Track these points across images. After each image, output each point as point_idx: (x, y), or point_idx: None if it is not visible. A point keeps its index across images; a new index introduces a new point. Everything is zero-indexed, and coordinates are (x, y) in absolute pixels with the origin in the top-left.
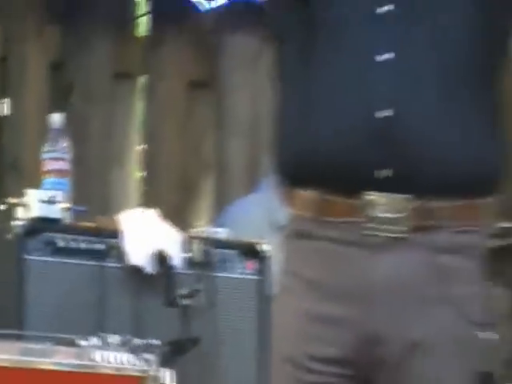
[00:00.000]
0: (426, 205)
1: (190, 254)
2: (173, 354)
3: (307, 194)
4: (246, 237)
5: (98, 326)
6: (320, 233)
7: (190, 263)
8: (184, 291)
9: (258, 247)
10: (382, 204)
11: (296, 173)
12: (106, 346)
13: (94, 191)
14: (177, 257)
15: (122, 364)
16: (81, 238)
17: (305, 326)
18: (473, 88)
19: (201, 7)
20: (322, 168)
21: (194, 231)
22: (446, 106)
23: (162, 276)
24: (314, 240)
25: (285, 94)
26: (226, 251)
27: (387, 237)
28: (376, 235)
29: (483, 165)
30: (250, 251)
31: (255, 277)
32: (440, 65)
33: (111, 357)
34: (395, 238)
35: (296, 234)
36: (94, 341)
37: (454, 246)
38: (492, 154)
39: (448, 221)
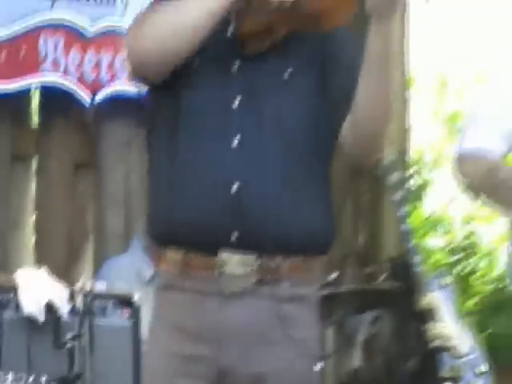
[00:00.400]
0: (268, 262)
1: (74, 305)
2: None
3: (173, 254)
4: (120, 289)
5: None
6: (183, 285)
7: (74, 312)
8: (69, 335)
9: (131, 297)
10: (232, 261)
11: (165, 237)
12: (2, 382)
13: None
14: (63, 307)
15: None
16: None
17: (172, 364)
18: (309, 166)
19: (84, 101)
20: (186, 233)
21: (78, 286)
22: (285, 183)
23: (51, 323)
24: (178, 291)
25: (155, 172)
26: (104, 301)
27: (237, 290)
28: (228, 287)
29: (317, 231)
30: (124, 301)
31: (129, 322)
32: (281, 150)
33: None
34: (244, 290)
35: (163, 287)
36: None
37: (293, 296)
38: (324, 222)
39: (288, 275)
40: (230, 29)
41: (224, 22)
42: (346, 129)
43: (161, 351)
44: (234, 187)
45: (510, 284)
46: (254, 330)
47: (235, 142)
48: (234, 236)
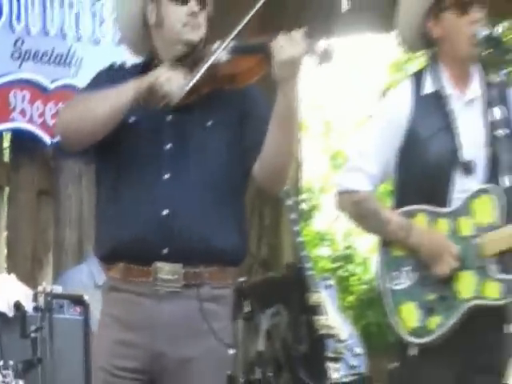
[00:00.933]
0: (192, 270)
1: (37, 303)
2: (24, 369)
3: (117, 265)
4: (73, 291)
5: None
6: (125, 287)
7: (37, 309)
8: (33, 328)
9: (82, 298)
10: (164, 270)
11: (111, 254)
12: None
13: None
14: (28, 305)
15: None
16: None
17: (113, 348)
18: (226, 196)
19: (45, 142)
20: (128, 249)
21: (40, 288)
22: (205, 209)
23: (18, 318)
24: (121, 292)
25: (100, 202)
26: (61, 301)
27: (168, 291)
28: (161, 289)
29: (230, 247)
30: (77, 300)
31: (80, 317)
32: (203, 183)
33: None
34: (173, 292)
35: (110, 288)
36: None
37: (213, 297)
38: (237, 240)
39: (208, 280)
40: None
41: None
42: (257, 167)
43: (106, 338)
44: (164, 213)
45: (378, 285)
46: (182, 323)
47: (165, 177)
48: (165, 251)
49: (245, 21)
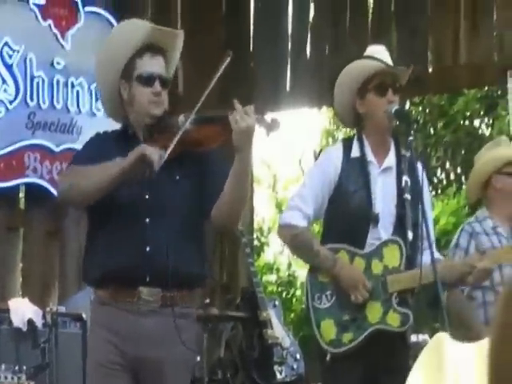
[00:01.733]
0: (168, 294)
1: (45, 320)
2: (35, 373)
3: (108, 287)
4: (74, 311)
5: None
6: (113, 304)
7: (45, 325)
8: (42, 340)
9: (81, 316)
10: (146, 293)
11: (102, 277)
12: None
13: None
14: (39, 322)
15: (5, 379)
16: None
17: (106, 346)
18: (191, 234)
19: (53, 194)
20: (118, 275)
21: (48, 309)
22: (177, 245)
23: (31, 332)
24: (110, 306)
25: (93, 238)
26: (64, 318)
27: (148, 309)
28: (143, 308)
29: (196, 274)
30: (77, 318)
31: (80, 331)
32: (175, 225)
33: (1, 376)
34: (153, 310)
35: (100, 302)
36: None
37: (182, 314)
38: (201, 268)
39: (179, 301)
40: None
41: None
42: (214, 211)
43: (99, 339)
44: (147, 249)
45: (305, 302)
46: (159, 335)
47: (147, 221)
48: (148, 278)
49: (203, 98)
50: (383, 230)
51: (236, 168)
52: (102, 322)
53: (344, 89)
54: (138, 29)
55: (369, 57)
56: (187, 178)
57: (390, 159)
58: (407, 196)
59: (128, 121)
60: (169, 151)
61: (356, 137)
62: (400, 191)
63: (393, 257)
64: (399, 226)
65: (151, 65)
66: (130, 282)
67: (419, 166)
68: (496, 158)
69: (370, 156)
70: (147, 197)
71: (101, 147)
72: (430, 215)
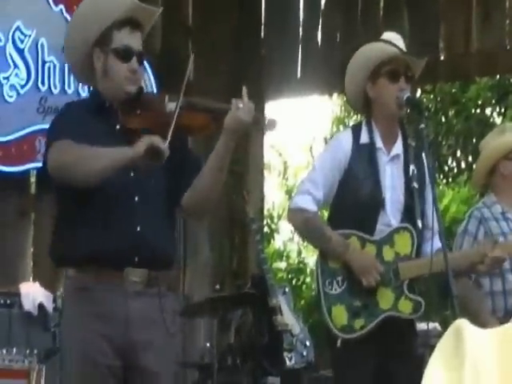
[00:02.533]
0: (153, 274)
1: (55, 304)
2: (45, 356)
3: (93, 268)
4: None
5: (6, 343)
6: (97, 288)
7: (56, 309)
8: (53, 324)
9: None
10: (133, 274)
11: (88, 257)
12: (10, 354)
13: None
14: (49, 306)
15: (17, 362)
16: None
17: (91, 336)
18: (170, 215)
19: None
20: (106, 255)
21: (58, 293)
22: (161, 226)
23: (41, 316)
24: (93, 291)
25: (78, 216)
26: None
27: (135, 290)
28: (130, 289)
29: (173, 254)
30: None
31: None
32: (158, 206)
33: (12, 359)
34: (139, 291)
35: (80, 289)
36: (3, 351)
37: (163, 295)
38: (174, 249)
39: (161, 281)
40: (120, 129)
41: None
42: (186, 198)
43: (82, 337)
44: (138, 228)
45: (315, 288)
46: (146, 315)
47: (136, 199)
48: (136, 259)
49: (185, 79)
50: (392, 216)
51: (217, 151)
52: (85, 309)
53: (357, 71)
54: (121, 0)
55: (386, 41)
56: (168, 163)
57: (398, 147)
58: (414, 184)
59: (99, 93)
60: (169, 139)
61: (365, 122)
62: (408, 180)
63: (404, 244)
64: (408, 215)
65: (130, 39)
66: (117, 262)
67: (424, 157)
68: (503, 144)
69: (379, 142)
70: (132, 174)
71: (79, 119)
72: (437, 204)
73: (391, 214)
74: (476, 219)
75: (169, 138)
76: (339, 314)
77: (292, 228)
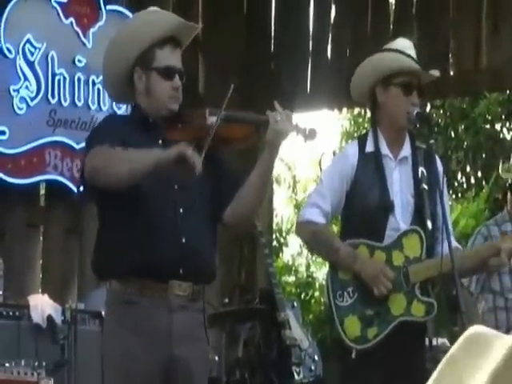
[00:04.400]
0: (197, 288)
1: (64, 317)
2: (54, 369)
3: (135, 281)
4: (93, 308)
5: (15, 355)
6: (142, 302)
7: (65, 321)
8: (61, 336)
9: (100, 313)
10: (178, 287)
11: (130, 269)
12: (18, 366)
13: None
14: (58, 318)
15: (25, 374)
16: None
17: (134, 352)
18: (212, 229)
19: (73, 190)
20: (150, 267)
21: (67, 305)
22: (206, 240)
23: (50, 328)
24: (138, 305)
25: (119, 230)
26: (83, 315)
27: (179, 304)
28: (174, 303)
29: (215, 269)
30: (96, 315)
31: (98, 328)
32: (202, 218)
33: (21, 372)
34: (183, 305)
35: (124, 302)
36: (12, 363)
37: (204, 310)
38: (215, 263)
39: (202, 296)
40: (163, 141)
41: None
42: (229, 211)
43: (128, 352)
44: (183, 240)
45: (326, 301)
46: (188, 331)
47: (181, 211)
48: (181, 271)
49: (228, 94)
50: (402, 220)
51: (261, 164)
52: (129, 323)
53: (369, 71)
54: (163, 19)
55: (403, 52)
56: (209, 175)
57: (406, 150)
58: (424, 186)
59: (140, 109)
60: (204, 153)
61: (371, 130)
62: (417, 181)
63: (413, 247)
64: (418, 216)
65: (172, 58)
66: (161, 274)
67: (437, 158)
68: None
69: (385, 149)
70: (176, 187)
71: (121, 130)
72: (447, 206)
73: (401, 219)
74: (482, 236)
75: (204, 151)
76: (352, 325)
77: (300, 241)
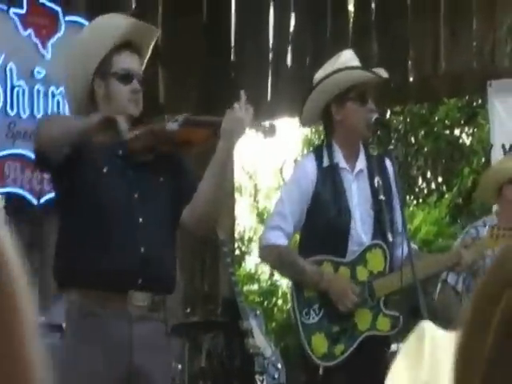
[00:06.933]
0: (156, 298)
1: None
2: None
3: (95, 293)
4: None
5: None
6: (101, 313)
7: None
8: None
9: (62, 326)
10: (137, 297)
11: (91, 280)
12: None
13: None
14: None
15: None
16: None
17: (95, 363)
18: (170, 236)
19: (32, 202)
20: (109, 278)
21: None
22: (166, 249)
23: None
24: (98, 317)
25: (73, 241)
26: (44, 328)
27: (139, 314)
28: (134, 313)
29: (175, 278)
30: (58, 328)
31: (60, 342)
32: (160, 224)
33: None
34: (143, 316)
35: (86, 314)
36: None
37: (166, 320)
38: (175, 272)
39: (163, 306)
40: (123, 150)
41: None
42: (186, 213)
43: (87, 365)
44: (142, 250)
45: (292, 319)
46: (149, 340)
47: (140, 220)
48: (140, 281)
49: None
50: (363, 233)
51: (217, 158)
52: (89, 336)
53: (322, 96)
54: (117, 24)
55: (351, 67)
56: (169, 180)
57: (361, 162)
58: (382, 197)
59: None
60: (139, 132)
61: (326, 144)
62: (374, 192)
63: (377, 261)
64: (378, 228)
65: (130, 62)
66: (120, 285)
67: (388, 163)
68: (506, 168)
69: (342, 162)
70: (136, 196)
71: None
72: (403, 213)
73: (362, 232)
74: (469, 236)
75: (140, 131)
76: (319, 343)
77: (266, 265)
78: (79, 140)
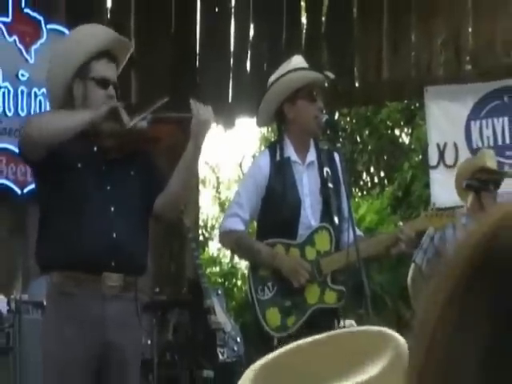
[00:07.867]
0: (129, 279)
1: (10, 307)
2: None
3: (72, 274)
4: (36, 298)
5: None
6: (77, 293)
7: (10, 311)
8: (7, 324)
9: (42, 303)
10: (110, 278)
11: (68, 263)
12: None
13: None
14: (4, 308)
15: None
16: None
17: (70, 339)
18: (143, 226)
19: (16, 192)
20: (84, 261)
21: (12, 296)
22: (135, 233)
23: None
24: (74, 296)
25: (54, 225)
26: (27, 305)
27: (112, 295)
28: (108, 293)
29: (146, 262)
30: (39, 305)
31: (41, 317)
32: (133, 214)
33: None
34: (116, 295)
35: (62, 294)
36: None
37: (140, 298)
38: (147, 257)
39: (135, 286)
40: (96, 147)
41: (93, 144)
42: (158, 201)
43: (64, 341)
44: (114, 235)
45: (248, 296)
46: (122, 318)
47: (112, 209)
48: (112, 263)
49: (158, 103)
50: (313, 218)
51: (187, 154)
52: (66, 314)
53: (276, 96)
54: (99, 33)
55: (301, 68)
56: (139, 174)
57: (312, 154)
58: (330, 185)
59: None
60: (112, 130)
61: (278, 140)
62: (323, 181)
63: (324, 242)
64: (326, 213)
65: (107, 70)
66: (94, 267)
67: (336, 156)
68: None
69: (294, 156)
70: (108, 188)
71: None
72: (350, 200)
73: (312, 217)
74: (453, 229)
75: (136, 120)
76: (273, 316)
77: (226, 248)
78: (86, 129)
